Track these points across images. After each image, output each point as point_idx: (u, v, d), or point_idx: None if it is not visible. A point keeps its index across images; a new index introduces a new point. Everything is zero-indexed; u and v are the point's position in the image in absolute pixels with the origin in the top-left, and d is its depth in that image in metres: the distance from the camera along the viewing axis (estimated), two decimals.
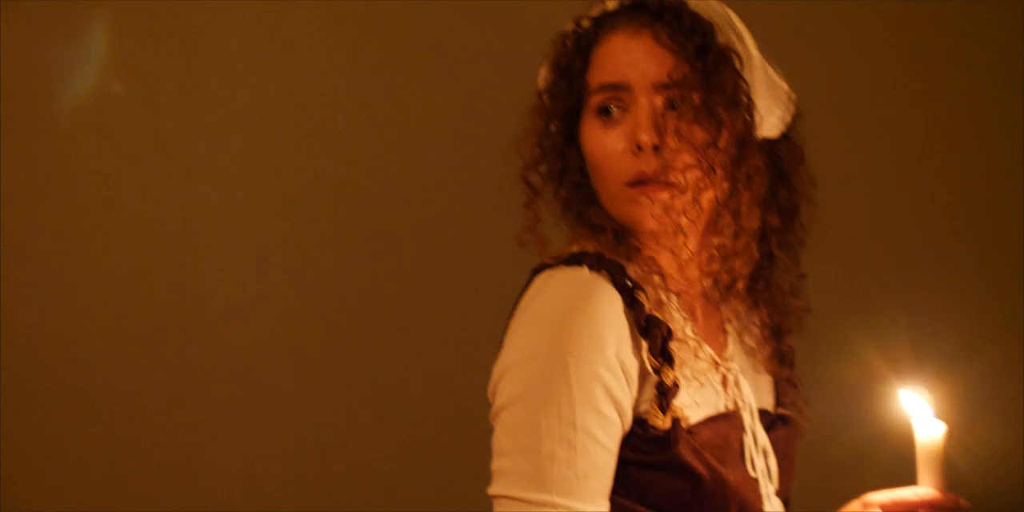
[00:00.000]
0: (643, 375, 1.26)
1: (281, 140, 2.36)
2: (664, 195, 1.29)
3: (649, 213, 1.30)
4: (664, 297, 1.33)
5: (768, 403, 1.48)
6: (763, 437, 1.39)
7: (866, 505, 1.46)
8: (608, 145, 1.32)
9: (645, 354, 1.26)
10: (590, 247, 1.34)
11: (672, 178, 1.29)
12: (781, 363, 1.49)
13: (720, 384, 1.37)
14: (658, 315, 1.29)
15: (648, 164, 1.29)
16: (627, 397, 1.24)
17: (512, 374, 1.24)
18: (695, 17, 1.32)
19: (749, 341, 1.47)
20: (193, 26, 2.32)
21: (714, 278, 1.38)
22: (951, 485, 1.41)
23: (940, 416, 1.40)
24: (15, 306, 2.23)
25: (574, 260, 1.30)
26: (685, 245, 1.32)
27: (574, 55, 1.36)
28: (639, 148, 1.29)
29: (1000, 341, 2.28)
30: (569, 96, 1.35)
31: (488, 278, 1.87)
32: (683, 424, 1.27)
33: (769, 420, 1.44)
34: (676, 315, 1.34)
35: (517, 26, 2.21)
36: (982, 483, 1.87)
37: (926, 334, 2.36)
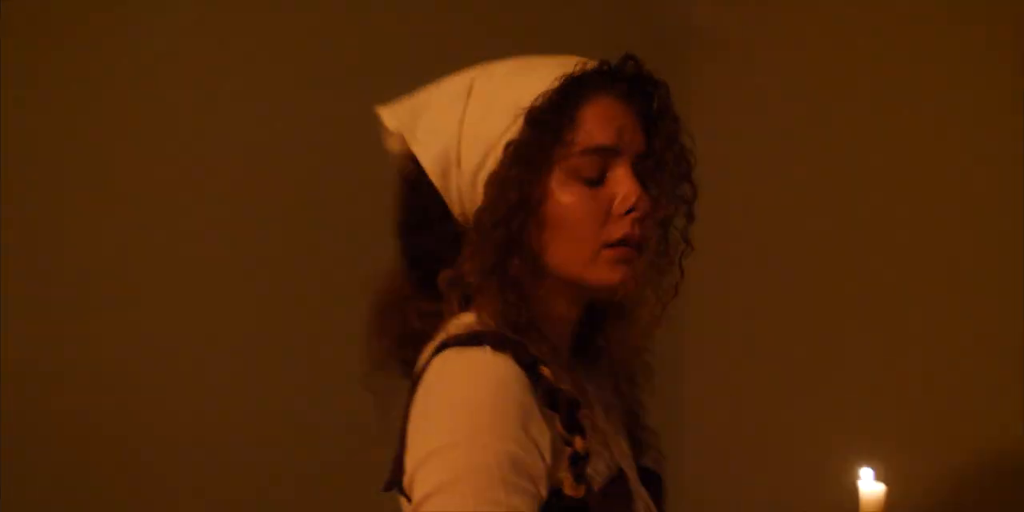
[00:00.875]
0: (555, 447, 1.25)
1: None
2: (635, 258, 1.32)
3: (621, 274, 1.32)
4: (556, 368, 1.32)
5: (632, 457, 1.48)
6: (645, 494, 1.41)
7: None
8: (585, 206, 1.31)
9: (556, 427, 1.26)
10: (488, 318, 1.31)
11: (645, 242, 1.33)
12: (635, 416, 1.50)
13: (602, 446, 1.35)
14: (563, 387, 1.29)
15: (624, 228, 1.31)
16: (543, 469, 1.23)
17: (431, 464, 1.21)
18: (667, 92, 1.36)
19: (606, 396, 1.47)
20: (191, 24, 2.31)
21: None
22: None
23: (885, 481, 1.43)
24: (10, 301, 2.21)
25: (474, 340, 1.28)
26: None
27: (558, 112, 1.31)
28: (628, 212, 1.31)
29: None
30: (544, 152, 1.31)
31: None
32: (595, 489, 1.28)
33: (642, 475, 1.44)
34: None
35: None
36: None
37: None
